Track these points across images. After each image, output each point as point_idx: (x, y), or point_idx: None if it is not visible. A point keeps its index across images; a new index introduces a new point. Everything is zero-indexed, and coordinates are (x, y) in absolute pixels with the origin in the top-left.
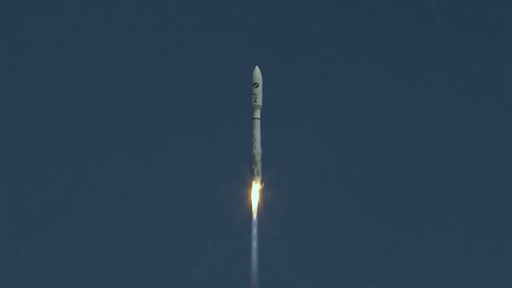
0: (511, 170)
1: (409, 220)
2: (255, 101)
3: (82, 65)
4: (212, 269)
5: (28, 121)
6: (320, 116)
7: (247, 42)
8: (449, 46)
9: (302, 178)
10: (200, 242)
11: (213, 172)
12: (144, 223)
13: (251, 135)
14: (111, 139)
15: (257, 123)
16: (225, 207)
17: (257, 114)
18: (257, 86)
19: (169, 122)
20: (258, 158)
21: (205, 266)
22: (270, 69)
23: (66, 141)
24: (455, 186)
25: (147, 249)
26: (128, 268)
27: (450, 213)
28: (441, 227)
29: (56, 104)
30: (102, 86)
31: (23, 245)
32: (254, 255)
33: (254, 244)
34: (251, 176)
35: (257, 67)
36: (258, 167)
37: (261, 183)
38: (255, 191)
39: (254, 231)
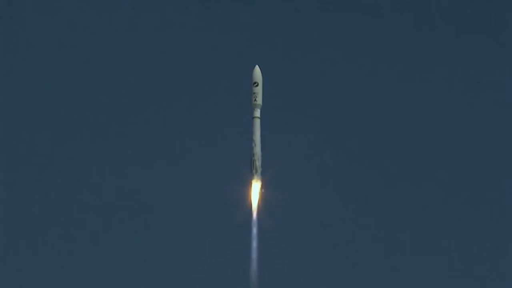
0: (511, 170)
1: (409, 220)
2: (255, 100)
3: (82, 65)
4: (212, 269)
5: (28, 121)
6: (320, 115)
7: (247, 41)
8: (449, 46)
9: (302, 177)
10: (200, 242)
11: (213, 172)
12: (144, 223)
13: (251, 134)
14: (111, 139)
15: (257, 122)
16: (225, 206)
17: (257, 113)
18: (257, 85)
19: (169, 121)
20: (258, 157)
21: (205, 266)
22: (270, 68)
23: (66, 141)
24: (455, 186)
25: (147, 249)
26: (128, 268)
27: (450, 213)
28: (441, 227)
29: (56, 104)
30: (102, 86)
31: (23, 245)
32: (254, 254)
33: (254, 243)
34: (251, 175)
35: (257, 66)
36: (258, 166)
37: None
38: (255, 190)
39: (254, 230)
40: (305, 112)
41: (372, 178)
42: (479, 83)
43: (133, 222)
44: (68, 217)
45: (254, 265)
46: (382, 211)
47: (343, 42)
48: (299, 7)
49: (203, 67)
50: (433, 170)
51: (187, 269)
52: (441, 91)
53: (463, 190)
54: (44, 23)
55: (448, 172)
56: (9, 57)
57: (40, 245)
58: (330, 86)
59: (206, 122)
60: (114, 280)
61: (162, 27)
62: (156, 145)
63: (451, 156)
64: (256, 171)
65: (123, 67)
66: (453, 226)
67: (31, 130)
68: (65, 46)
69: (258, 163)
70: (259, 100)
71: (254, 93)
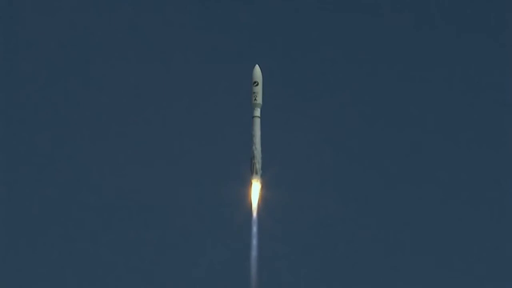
0: (511, 170)
1: (409, 220)
2: (255, 99)
3: (82, 65)
4: (212, 268)
5: (28, 121)
6: (320, 114)
7: (247, 41)
8: (449, 46)
9: (302, 177)
10: (200, 242)
11: (213, 171)
12: (144, 223)
13: (251, 134)
14: (111, 139)
15: (257, 122)
16: (225, 206)
17: (257, 112)
18: (257, 85)
19: (169, 121)
20: (258, 156)
21: (205, 266)
22: (270, 68)
23: (66, 141)
24: (455, 186)
25: (147, 249)
26: (128, 268)
27: (450, 213)
28: (441, 227)
29: (56, 104)
30: (102, 86)
31: (23, 245)
32: (254, 253)
33: (254, 242)
34: (251, 175)
35: (257, 65)
36: (258, 166)
37: (260, 183)
38: (255, 190)
39: (254, 229)
40: (305, 111)
41: (372, 178)
42: (479, 83)
43: (133, 222)
44: (68, 217)
45: (254, 264)
46: (382, 211)
47: (343, 42)
48: (299, 7)
49: (203, 67)
50: (433, 170)
51: (187, 269)
52: (441, 91)
53: (463, 190)
54: (44, 23)
55: (448, 172)
56: (9, 57)
57: (40, 245)
58: (330, 85)
59: (206, 121)
60: (114, 280)
61: (162, 27)
62: (156, 145)
63: (451, 156)
64: (256, 171)
65: (123, 67)
66: (453, 226)
67: (31, 130)
68: (65, 46)
69: (258, 162)
70: (259, 100)
71: (254, 92)
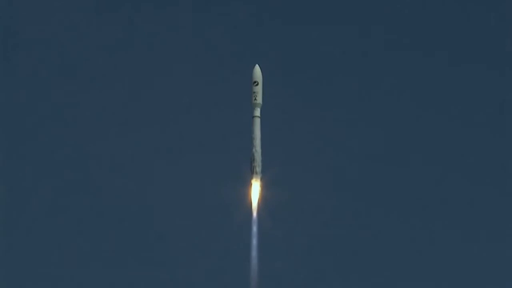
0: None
1: (409, 220)
2: (255, 99)
3: (82, 65)
4: (212, 268)
5: (28, 123)
6: (320, 114)
7: (247, 41)
8: (449, 46)
9: (302, 177)
10: (200, 241)
11: (213, 171)
12: (144, 223)
13: (251, 134)
14: (111, 139)
15: (257, 121)
16: (225, 205)
17: (257, 112)
18: (257, 85)
19: (169, 121)
20: (258, 156)
21: (205, 265)
22: (270, 68)
23: (66, 141)
24: (455, 186)
25: (147, 249)
26: (128, 267)
27: (450, 213)
28: (442, 227)
29: (56, 104)
30: (102, 86)
31: (23, 245)
32: (254, 254)
33: (254, 242)
34: (251, 175)
35: (257, 65)
36: (258, 166)
37: (260, 183)
38: (255, 190)
39: (254, 229)
40: (305, 111)
41: (372, 178)
42: (480, 82)
43: (133, 222)
44: (68, 217)
45: (254, 264)
46: (382, 210)
47: (343, 41)
48: (299, 7)
49: (203, 67)
50: (434, 170)
51: (187, 269)
52: (442, 91)
53: (463, 190)
54: (44, 23)
55: (449, 172)
56: (9, 57)
57: (40, 245)
58: (330, 86)
59: (206, 121)
60: (114, 280)
61: (162, 27)
62: (156, 145)
63: (451, 155)
64: (256, 171)
65: (122, 66)
66: (454, 226)
67: (31, 130)
68: (65, 46)
69: (258, 162)
70: (259, 99)
71: (254, 92)
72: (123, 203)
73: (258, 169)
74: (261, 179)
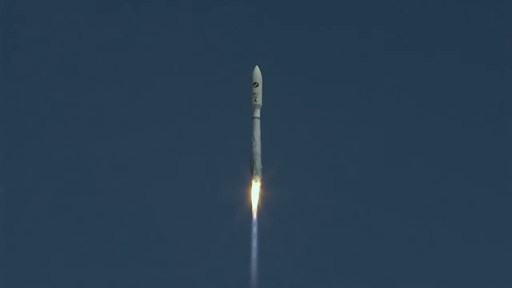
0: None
1: (410, 220)
2: (255, 100)
3: (82, 65)
4: (212, 268)
5: (28, 123)
6: (320, 115)
7: (247, 41)
8: (449, 46)
9: (302, 177)
10: (199, 242)
11: (213, 172)
12: (144, 223)
13: (251, 135)
14: (110, 139)
15: (257, 123)
16: (225, 206)
17: (257, 113)
18: (257, 86)
19: (169, 121)
20: (258, 157)
21: (205, 267)
22: (270, 69)
23: (66, 141)
24: (456, 186)
25: (147, 249)
26: (128, 267)
27: (450, 213)
28: (442, 227)
29: (56, 104)
30: (101, 86)
31: (23, 245)
32: (254, 254)
33: (254, 243)
34: (250, 175)
35: (257, 66)
36: (258, 166)
37: (260, 184)
38: (255, 190)
39: (254, 230)
40: (305, 112)
41: (372, 178)
42: (481, 80)
43: (133, 222)
44: (68, 218)
45: (254, 265)
46: (382, 211)
47: (343, 41)
48: (299, 7)
49: (203, 68)
50: (434, 170)
51: (187, 268)
52: (441, 91)
53: (463, 190)
54: (44, 23)
55: (449, 172)
56: (8, 57)
57: (40, 245)
58: (330, 86)
59: (206, 122)
60: (114, 280)
61: (162, 27)
62: (156, 145)
63: (451, 155)
64: (256, 171)
65: (122, 66)
66: (454, 226)
67: (31, 130)
68: (65, 46)
69: (258, 163)
70: (259, 101)
71: (254, 93)
72: (123, 203)
73: (258, 169)
74: (261, 180)
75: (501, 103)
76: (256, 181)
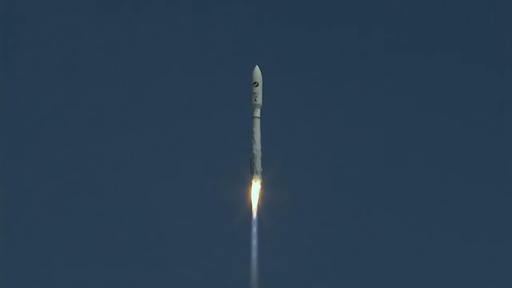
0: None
1: (410, 219)
2: (255, 100)
3: (82, 65)
4: (212, 268)
5: (28, 123)
6: (320, 115)
7: (247, 41)
8: (449, 46)
9: (302, 177)
10: (199, 242)
11: (213, 171)
12: (144, 223)
13: (251, 134)
14: (110, 139)
15: (257, 122)
16: (225, 205)
17: (257, 113)
18: (257, 85)
19: (169, 121)
20: (258, 157)
21: (205, 266)
22: (270, 68)
23: (66, 141)
24: (456, 186)
25: (146, 249)
26: (127, 267)
27: (451, 213)
28: (442, 227)
29: (56, 104)
30: (101, 86)
31: (23, 245)
32: (254, 254)
33: (254, 242)
34: (251, 175)
35: (257, 66)
36: (258, 166)
37: (260, 183)
38: (255, 190)
39: (254, 230)
40: (305, 112)
41: (373, 177)
42: (481, 80)
43: (133, 222)
44: (68, 217)
45: (254, 265)
46: (382, 211)
47: (343, 41)
48: (299, 7)
49: (203, 67)
50: (434, 170)
51: (187, 268)
52: (441, 91)
53: (463, 190)
54: (44, 23)
55: (449, 172)
56: (8, 57)
57: (40, 245)
58: (330, 85)
59: (206, 122)
60: (114, 280)
61: (162, 27)
62: (156, 145)
63: (451, 155)
64: (256, 171)
65: (122, 66)
66: (454, 226)
67: (31, 130)
68: (65, 46)
69: (258, 163)
70: (259, 100)
71: (254, 93)
72: (123, 203)
73: (258, 169)
74: (261, 180)
75: (501, 103)
76: (256, 180)
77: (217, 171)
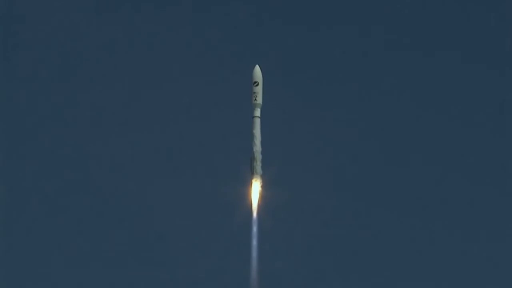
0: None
1: (410, 219)
2: (255, 99)
3: (82, 65)
4: (212, 268)
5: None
6: (320, 114)
7: (247, 41)
8: (448, 46)
9: (302, 177)
10: (199, 242)
11: (213, 171)
12: (144, 223)
13: (251, 134)
14: (110, 139)
15: (257, 122)
16: (225, 205)
17: (257, 112)
18: (257, 85)
19: (169, 121)
20: (258, 156)
21: (205, 266)
22: (270, 68)
23: (66, 141)
24: (456, 186)
25: (146, 249)
26: (127, 267)
27: (451, 213)
28: (442, 227)
29: (56, 104)
30: (101, 86)
31: (23, 245)
32: (254, 254)
33: (254, 242)
34: (251, 175)
35: (257, 65)
36: (258, 165)
37: (260, 183)
38: (255, 189)
39: (254, 229)
40: (305, 111)
41: (372, 178)
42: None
43: (133, 222)
44: (68, 217)
45: (254, 264)
46: (382, 211)
47: (343, 41)
48: (299, 7)
49: (203, 67)
50: (434, 170)
51: (187, 268)
52: (441, 91)
53: (463, 190)
54: (44, 23)
55: (449, 172)
56: (8, 57)
57: (40, 245)
58: (330, 85)
59: (206, 121)
60: (114, 280)
61: (162, 26)
62: (156, 145)
63: (451, 155)
64: (256, 171)
65: (122, 66)
66: (454, 226)
67: (31, 130)
68: (65, 46)
69: (258, 162)
70: (259, 100)
71: (254, 92)
72: (123, 203)
73: (258, 169)
74: (261, 179)
75: (501, 103)
76: (256, 180)
77: (217, 171)
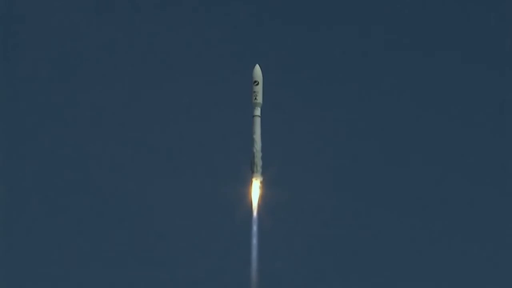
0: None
1: (410, 220)
2: (255, 98)
3: (82, 65)
4: (212, 268)
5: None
6: (320, 114)
7: (247, 41)
8: (448, 46)
9: (302, 176)
10: (199, 241)
11: (213, 170)
12: (143, 223)
13: (251, 133)
14: (110, 139)
15: (257, 121)
16: (225, 204)
17: (257, 111)
18: (257, 84)
19: (169, 120)
20: (258, 155)
21: (205, 265)
22: (270, 67)
23: (66, 141)
24: (456, 186)
25: (146, 249)
26: (127, 267)
27: (451, 213)
28: (442, 227)
29: (56, 104)
30: (101, 86)
31: (23, 245)
32: (254, 253)
33: (254, 241)
34: (251, 174)
35: (257, 65)
36: (258, 165)
37: (260, 182)
38: (255, 189)
39: (254, 229)
40: (305, 111)
41: (373, 176)
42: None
43: (132, 221)
44: (68, 217)
45: (254, 264)
46: (382, 211)
47: (343, 41)
48: (299, 7)
49: (203, 67)
50: (434, 170)
51: (187, 268)
52: (441, 91)
53: (463, 190)
54: (44, 23)
55: (449, 172)
56: (8, 57)
57: (40, 245)
58: (330, 85)
59: (206, 121)
60: (114, 280)
61: (162, 26)
62: (156, 145)
63: (451, 155)
64: (256, 170)
65: (122, 66)
66: (454, 226)
67: (31, 130)
68: (65, 46)
69: (258, 161)
70: (259, 99)
71: (254, 91)
72: (123, 203)
73: (259, 168)
74: (261, 179)
75: (501, 103)
76: (256, 179)
77: (217, 171)
